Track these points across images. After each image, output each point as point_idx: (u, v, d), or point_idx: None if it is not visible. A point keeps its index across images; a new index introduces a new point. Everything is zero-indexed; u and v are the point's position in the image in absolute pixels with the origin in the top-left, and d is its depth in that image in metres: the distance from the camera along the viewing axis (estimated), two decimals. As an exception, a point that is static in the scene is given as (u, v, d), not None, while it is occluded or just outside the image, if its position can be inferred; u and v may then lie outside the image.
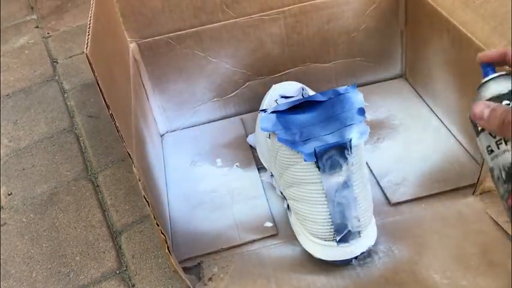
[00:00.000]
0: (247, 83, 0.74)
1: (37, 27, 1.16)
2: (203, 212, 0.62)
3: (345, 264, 0.52)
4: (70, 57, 1.04)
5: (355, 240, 0.50)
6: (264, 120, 0.50)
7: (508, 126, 0.35)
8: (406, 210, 0.58)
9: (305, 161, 0.47)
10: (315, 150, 0.46)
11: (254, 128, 0.70)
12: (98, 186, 0.73)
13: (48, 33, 1.13)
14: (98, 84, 0.43)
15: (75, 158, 0.79)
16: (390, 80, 0.78)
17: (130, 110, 0.56)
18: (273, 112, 0.51)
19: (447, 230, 0.54)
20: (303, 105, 0.51)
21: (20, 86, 0.97)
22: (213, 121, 0.76)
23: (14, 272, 0.63)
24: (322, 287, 0.51)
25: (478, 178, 0.57)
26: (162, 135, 0.75)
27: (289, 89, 0.64)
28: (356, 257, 0.51)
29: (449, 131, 0.67)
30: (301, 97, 0.60)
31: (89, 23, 0.47)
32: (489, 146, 0.38)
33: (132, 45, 0.68)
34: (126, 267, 0.62)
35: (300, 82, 0.68)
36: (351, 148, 0.47)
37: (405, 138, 0.67)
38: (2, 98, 0.95)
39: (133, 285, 0.60)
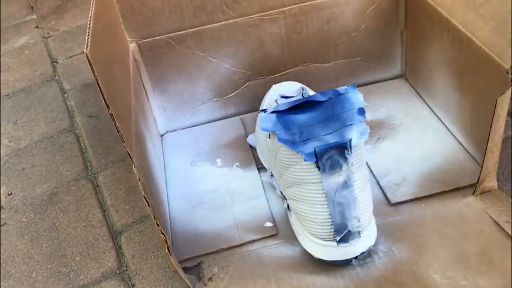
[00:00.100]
0: (247, 83, 0.74)
1: (37, 27, 1.16)
2: (203, 212, 0.62)
3: (345, 264, 0.52)
4: (70, 57, 1.04)
5: (355, 240, 0.50)
6: (264, 120, 0.50)
7: None
8: (406, 210, 0.58)
9: (305, 161, 0.47)
10: (315, 150, 0.46)
11: (254, 128, 0.70)
12: (98, 186, 0.73)
13: (48, 33, 1.13)
14: (98, 84, 0.43)
15: (75, 158, 0.79)
16: (390, 80, 0.78)
17: (130, 110, 0.56)
18: (273, 112, 0.51)
19: (447, 230, 0.54)
20: (303, 105, 0.51)
21: (20, 86, 0.97)
22: (213, 121, 0.76)
23: (14, 272, 0.63)
24: (322, 287, 0.51)
25: (478, 178, 0.57)
26: (162, 135, 0.75)
27: (289, 89, 0.64)
28: (356, 257, 0.51)
29: (449, 131, 0.67)
30: (301, 97, 0.60)
31: (89, 23, 0.47)
32: None
33: (132, 45, 0.68)
34: (126, 267, 0.62)
35: (300, 82, 0.68)
36: (351, 148, 0.47)
37: (405, 138, 0.67)
38: (2, 98, 0.95)
39: (133, 285, 0.60)
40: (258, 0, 0.67)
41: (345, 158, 0.47)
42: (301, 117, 0.50)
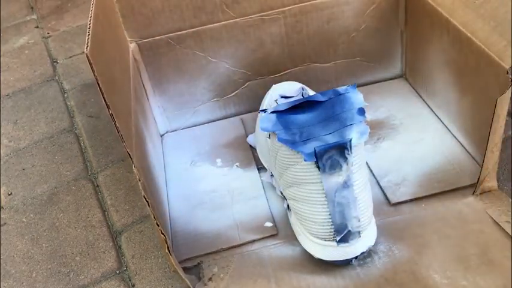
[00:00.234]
0: (247, 83, 0.74)
1: (37, 27, 1.16)
2: (203, 212, 0.62)
3: (345, 264, 0.52)
4: (70, 57, 1.04)
5: (355, 240, 0.50)
6: (264, 120, 0.51)
7: None
8: (406, 210, 0.58)
9: (305, 161, 0.47)
10: (315, 150, 0.46)
11: (254, 128, 0.70)
12: (98, 186, 0.73)
13: (48, 33, 1.13)
14: (98, 84, 0.43)
15: (75, 158, 0.79)
16: (390, 80, 0.78)
17: (130, 110, 0.56)
18: (273, 112, 0.51)
19: (447, 230, 0.54)
20: (303, 105, 0.51)
21: (20, 86, 0.97)
22: (213, 121, 0.76)
23: (14, 272, 0.63)
24: (322, 287, 0.51)
25: (478, 178, 0.57)
26: (162, 135, 0.75)
27: (289, 89, 0.64)
28: (356, 257, 0.51)
29: (449, 131, 0.67)
30: (301, 97, 0.60)
31: (89, 23, 0.47)
32: None
33: (132, 45, 0.68)
34: (126, 267, 0.62)
35: (300, 82, 0.68)
36: (351, 148, 0.47)
37: (405, 138, 0.67)
38: (2, 98, 0.95)
39: (133, 285, 0.60)
40: (258, 0, 0.67)
41: (345, 158, 0.47)
42: (301, 117, 0.50)
